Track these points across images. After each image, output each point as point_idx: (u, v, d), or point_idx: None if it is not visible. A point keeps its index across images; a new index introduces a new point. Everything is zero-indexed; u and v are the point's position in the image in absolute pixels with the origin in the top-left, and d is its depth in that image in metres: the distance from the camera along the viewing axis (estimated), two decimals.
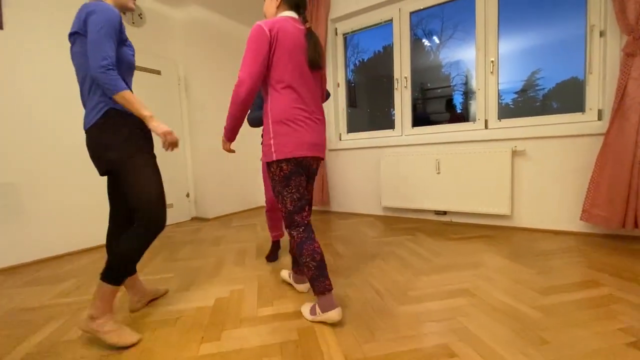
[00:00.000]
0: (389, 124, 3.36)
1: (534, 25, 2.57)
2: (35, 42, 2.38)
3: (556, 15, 2.48)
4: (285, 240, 2.54)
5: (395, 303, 1.46)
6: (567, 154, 2.38)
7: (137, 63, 3.16)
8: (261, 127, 2.47)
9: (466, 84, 2.98)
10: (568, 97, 2.49)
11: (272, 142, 1.31)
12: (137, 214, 1.29)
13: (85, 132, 1.29)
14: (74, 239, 2.57)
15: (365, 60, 3.67)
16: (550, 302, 1.40)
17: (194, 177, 3.75)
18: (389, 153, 3.15)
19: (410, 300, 1.48)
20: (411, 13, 3.10)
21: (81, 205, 2.61)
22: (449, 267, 1.85)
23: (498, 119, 2.70)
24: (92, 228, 2.68)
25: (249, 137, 3.49)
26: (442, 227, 2.78)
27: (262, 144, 1.39)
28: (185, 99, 3.66)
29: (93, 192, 2.68)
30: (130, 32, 3.17)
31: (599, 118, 2.32)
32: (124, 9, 1.37)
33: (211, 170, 3.70)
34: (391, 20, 3.21)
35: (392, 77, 3.27)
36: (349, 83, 3.70)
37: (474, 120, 2.82)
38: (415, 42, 3.17)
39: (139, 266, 2.15)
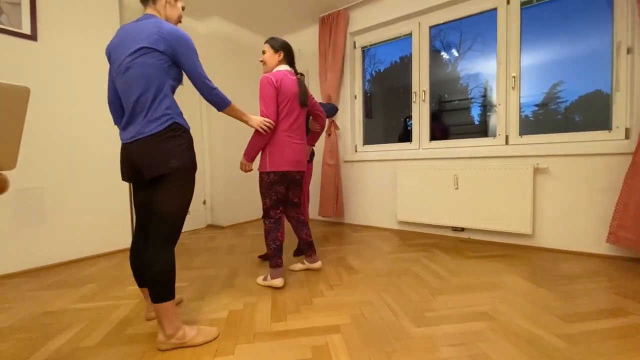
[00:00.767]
0: (405, 134, 3.34)
1: (557, 38, 2.52)
2: (67, 54, 2.50)
3: (580, 29, 2.43)
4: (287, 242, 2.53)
5: (412, 324, 1.43)
6: (593, 173, 2.29)
7: None
8: None
9: (485, 96, 2.93)
10: (591, 111, 2.42)
11: (267, 158, 1.91)
12: (163, 222, 1.31)
13: (139, 140, 1.29)
14: (94, 244, 2.64)
15: (381, 71, 3.67)
16: (574, 330, 1.34)
17: (211, 184, 3.81)
18: (405, 166, 3.12)
19: (427, 322, 1.44)
20: (431, 27, 3.10)
21: (101, 211, 2.69)
22: (467, 288, 1.80)
23: (519, 134, 2.64)
24: (112, 233, 2.75)
25: None
26: (460, 244, 2.71)
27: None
28: (205, 108, 3.75)
29: (113, 198, 2.76)
30: None
31: (627, 137, 2.23)
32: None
33: (228, 179, 3.76)
34: (410, 34, 3.22)
35: (409, 87, 3.26)
36: (365, 93, 3.71)
37: (494, 136, 2.77)
38: (433, 54, 3.16)
39: None
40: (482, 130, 2.94)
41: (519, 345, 1.24)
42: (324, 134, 3.58)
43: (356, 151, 3.69)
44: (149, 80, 1.29)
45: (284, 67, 1.95)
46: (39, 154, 2.36)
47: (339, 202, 3.56)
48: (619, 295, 1.66)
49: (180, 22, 1.55)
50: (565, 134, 2.46)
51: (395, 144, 3.39)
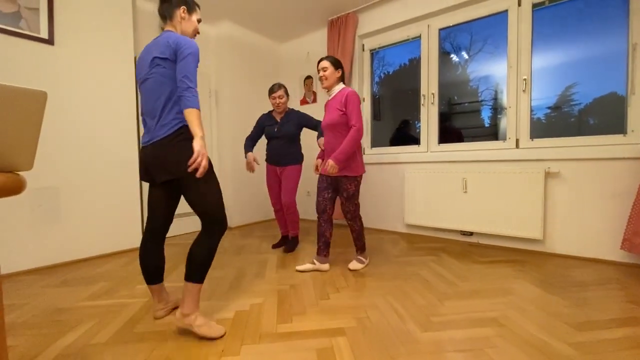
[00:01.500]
0: (413, 137, 3.33)
1: (570, 39, 2.48)
2: (83, 58, 2.56)
3: (594, 31, 2.38)
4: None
5: (418, 329, 1.42)
6: (607, 178, 2.24)
7: None
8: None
9: (495, 99, 2.90)
10: (606, 113, 2.36)
11: (359, 162, 2.11)
12: (206, 218, 1.43)
13: (153, 143, 1.40)
14: (105, 243, 2.69)
15: (390, 73, 3.66)
16: (586, 339, 1.31)
17: (222, 186, 3.84)
18: (414, 169, 3.11)
19: (434, 327, 1.43)
20: (440, 29, 3.09)
21: (112, 211, 2.75)
22: (475, 293, 1.78)
23: (530, 138, 2.60)
24: (122, 233, 2.80)
25: None
26: (468, 248, 2.68)
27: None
28: (215, 111, 3.80)
29: (124, 199, 2.81)
30: None
31: None
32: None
33: (235, 180, 3.79)
34: (419, 36, 3.21)
35: (418, 90, 3.24)
36: (373, 96, 3.70)
37: (504, 139, 2.73)
38: (443, 56, 3.14)
39: (165, 272, 2.22)
40: (493, 133, 2.90)
41: (528, 353, 1.22)
42: None
43: (364, 154, 3.68)
44: (161, 88, 1.39)
45: (342, 84, 2.18)
46: (55, 155, 2.42)
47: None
48: (633, 303, 1.61)
49: (197, 34, 1.61)
50: (577, 137, 2.41)
51: (403, 146, 3.38)
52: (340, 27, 3.50)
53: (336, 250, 2.71)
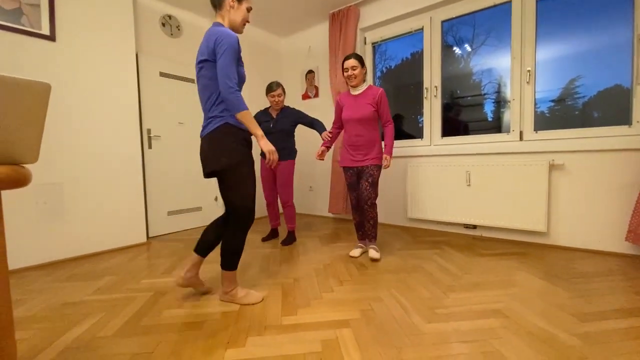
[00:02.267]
0: (416, 131, 3.32)
1: (574, 31, 2.45)
2: (84, 54, 2.56)
3: (599, 22, 2.35)
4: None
5: (422, 320, 1.42)
6: (611, 170, 2.23)
7: (174, 72, 3.32)
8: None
9: (498, 92, 2.87)
10: (611, 106, 2.34)
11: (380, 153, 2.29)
12: (233, 212, 1.57)
13: (202, 139, 1.57)
14: (110, 238, 2.71)
15: (392, 67, 3.64)
16: (590, 329, 1.31)
17: None
18: (416, 163, 3.10)
19: (438, 318, 1.43)
20: (443, 22, 3.06)
21: (117, 207, 2.76)
22: (479, 285, 1.78)
23: (534, 130, 2.59)
24: (127, 229, 2.82)
25: None
26: (472, 241, 2.68)
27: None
28: None
29: (128, 195, 2.83)
30: (169, 43, 3.34)
31: None
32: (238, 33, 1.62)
33: None
34: (421, 29, 3.18)
35: (420, 84, 3.22)
36: None
37: (508, 132, 2.72)
38: (445, 49, 3.11)
39: (168, 267, 2.24)
40: (496, 126, 2.88)
41: (532, 344, 1.22)
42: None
43: None
44: (208, 90, 1.51)
45: (366, 81, 2.34)
46: (57, 151, 2.43)
47: (348, 199, 3.55)
48: (638, 294, 1.61)
49: (246, 23, 1.60)
50: (582, 129, 2.39)
51: (406, 140, 3.36)
52: (342, 21, 3.48)
53: (339, 245, 2.71)
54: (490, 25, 2.86)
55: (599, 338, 1.24)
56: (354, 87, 2.29)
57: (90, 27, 2.60)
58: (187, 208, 3.49)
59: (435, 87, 3.11)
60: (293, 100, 4.28)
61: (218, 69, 1.43)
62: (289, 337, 1.32)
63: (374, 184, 2.22)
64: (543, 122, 2.59)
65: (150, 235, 3.13)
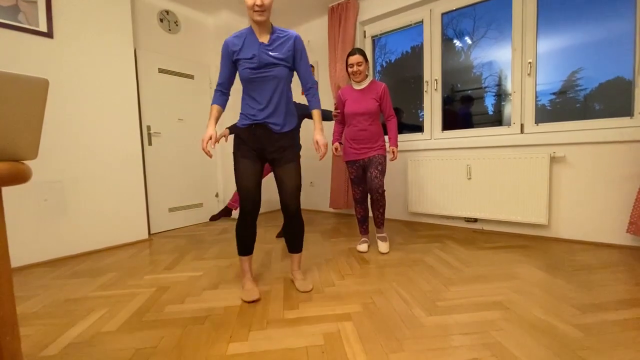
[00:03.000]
0: (416, 125, 3.30)
1: (575, 22, 2.42)
2: (82, 51, 2.55)
3: (600, 13, 2.32)
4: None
5: (424, 313, 1.43)
6: (613, 161, 2.22)
7: (172, 68, 3.31)
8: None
9: (499, 85, 2.85)
10: (612, 98, 2.32)
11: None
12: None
13: None
14: (111, 235, 2.72)
15: (392, 61, 3.62)
16: (591, 320, 1.31)
17: (224, 178, 3.86)
18: (417, 157, 3.09)
19: (440, 311, 1.44)
20: (443, 14, 3.03)
21: (118, 204, 2.76)
22: (480, 278, 1.79)
23: (535, 123, 2.57)
24: (128, 225, 2.83)
25: None
26: (473, 235, 2.68)
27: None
28: None
29: (129, 192, 2.83)
30: (166, 38, 3.32)
31: None
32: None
33: None
34: (421, 21, 3.15)
35: (420, 78, 3.20)
36: None
37: (509, 124, 2.70)
38: (446, 42, 3.09)
39: (170, 263, 2.25)
40: (497, 120, 2.87)
41: (533, 335, 1.23)
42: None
43: None
44: None
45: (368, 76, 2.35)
46: (57, 148, 2.43)
47: (349, 194, 3.56)
48: (639, 286, 1.61)
49: (256, 9, 1.54)
50: (583, 121, 2.38)
51: (406, 134, 3.35)
52: (341, 14, 3.45)
53: (340, 239, 2.72)
54: (490, 17, 2.83)
55: (600, 329, 1.25)
56: (358, 82, 2.28)
57: (88, 24, 2.58)
58: (188, 204, 3.49)
59: (436, 80, 3.09)
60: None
61: None
62: (291, 331, 1.33)
63: (383, 172, 2.24)
64: (544, 115, 2.58)
65: (151, 231, 3.14)
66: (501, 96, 2.85)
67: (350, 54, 2.24)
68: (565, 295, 1.54)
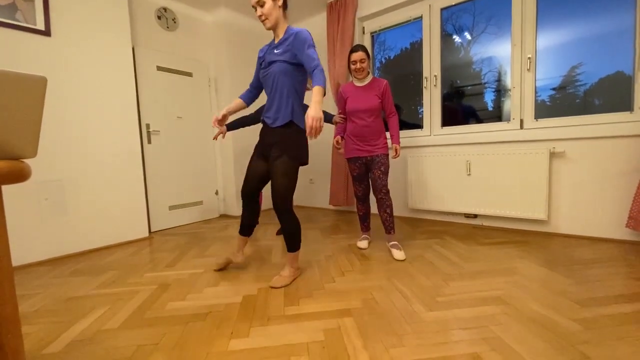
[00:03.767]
0: (416, 121, 3.30)
1: (575, 16, 2.41)
2: (80, 49, 2.54)
3: (600, 7, 2.31)
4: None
5: (424, 308, 1.44)
6: (612, 156, 2.22)
7: (170, 66, 3.30)
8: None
9: (499, 81, 2.85)
10: (612, 94, 2.32)
11: None
12: None
13: None
14: (111, 234, 2.73)
15: (391, 58, 3.60)
16: (590, 314, 1.32)
17: (223, 175, 3.86)
18: (416, 153, 3.09)
19: (439, 306, 1.45)
20: (442, 9, 3.02)
21: (118, 202, 2.77)
22: (479, 273, 1.79)
23: (535, 118, 2.57)
24: (128, 224, 2.83)
25: None
26: (472, 230, 2.69)
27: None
28: (215, 99, 3.78)
29: (129, 190, 2.83)
30: (165, 36, 3.31)
31: None
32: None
33: (239, 170, 3.79)
34: (421, 17, 3.14)
35: (420, 74, 3.20)
36: None
37: (508, 120, 2.70)
38: (445, 38, 3.07)
39: (171, 261, 2.26)
40: (496, 116, 2.87)
41: (533, 329, 1.23)
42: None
43: None
44: None
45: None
46: (56, 147, 2.43)
47: (349, 191, 3.56)
48: (638, 280, 1.62)
49: (261, 21, 1.73)
50: (583, 116, 2.38)
51: (405, 130, 3.35)
52: (340, 10, 3.43)
53: (340, 236, 2.73)
54: (490, 13, 2.82)
55: (599, 323, 1.25)
56: (361, 79, 2.27)
57: (86, 22, 2.57)
58: (188, 202, 3.50)
59: (435, 76, 3.08)
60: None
61: None
62: (292, 327, 1.33)
63: (386, 172, 2.24)
64: (544, 110, 2.57)
65: (152, 229, 3.14)
66: (501, 92, 2.84)
67: (353, 50, 2.22)
68: (564, 289, 1.55)
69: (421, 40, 3.17)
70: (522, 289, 1.58)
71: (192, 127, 3.52)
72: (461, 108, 3.08)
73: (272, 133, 1.77)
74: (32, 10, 2.30)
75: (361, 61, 2.20)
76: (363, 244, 2.38)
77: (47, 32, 2.36)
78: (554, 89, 2.55)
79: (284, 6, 1.74)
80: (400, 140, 3.24)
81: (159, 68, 3.20)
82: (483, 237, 2.47)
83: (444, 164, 2.89)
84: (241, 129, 3.75)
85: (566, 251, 2.09)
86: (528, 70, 2.56)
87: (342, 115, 2.39)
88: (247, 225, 1.97)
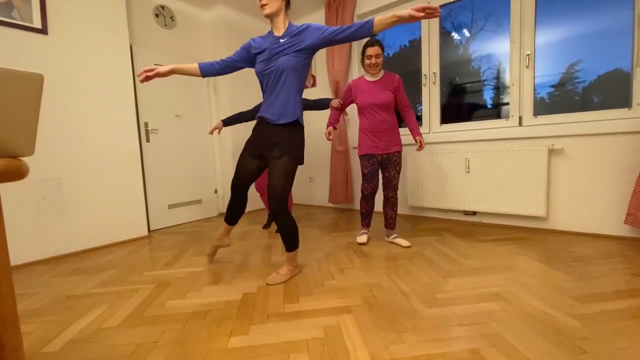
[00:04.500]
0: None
1: (573, 13, 2.41)
2: (77, 47, 2.52)
3: (599, 3, 2.31)
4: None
5: (423, 305, 1.44)
6: (611, 153, 2.22)
7: (169, 64, 3.27)
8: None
9: (497, 78, 2.85)
10: (611, 91, 2.32)
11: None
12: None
13: None
14: (111, 233, 2.72)
15: (390, 56, 3.60)
16: (589, 310, 1.32)
17: (222, 174, 3.85)
18: (415, 151, 3.08)
19: (439, 303, 1.45)
20: (441, 6, 3.01)
21: (117, 201, 2.76)
22: (479, 270, 1.80)
23: (534, 115, 2.57)
24: (127, 223, 2.83)
25: None
26: (472, 228, 2.69)
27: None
28: (214, 98, 3.76)
29: (128, 189, 2.83)
30: (162, 34, 3.29)
31: None
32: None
33: None
34: None
35: (419, 71, 3.19)
36: None
37: (507, 117, 2.70)
38: (444, 35, 3.07)
39: (171, 259, 2.26)
40: (495, 113, 2.87)
41: (532, 325, 1.24)
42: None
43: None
44: None
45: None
46: (54, 146, 2.42)
47: (348, 189, 3.56)
48: (637, 275, 1.62)
49: (260, 7, 1.65)
50: (582, 113, 2.38)
51: (404, 128, 3.34)
52: (338, 7, 3.42)
53: (339, 233, 2.73)
54: (489, 10, 2.81)
55: (598, 319, 1.26)
56: (374, 74, 2.25)
57: (83, 20, 2.55)
58: (187, 201, 3.49)
59: (434, 73, 3.08)
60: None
61: None
62: (292, 324, 1.34)
63: (399, 172, 2.27)
64: (543, 107, 2.57)
65: (151, 228, 3.14)
66: (499, 89, 2.84)
67: (369, 44, 2.19)
68: (563, 286, 1.55)
69: (420, 37, 3.16)
70: (521, 285, 1.58)
71: (191, 125, 3.51)
72: (460, 104, 3.08)
73: (274, 131, 1.70)
74: (28, 8, 2.28)
75: (377, 56, 2.18)
76: (362, 238, 2.38)
77: (44, 30, 2.35)
78: (552, 86, 2.55)
79: (287, 2, 1.71)
80: (400, 137, 3.24)
81: (157, 66, 3.18)
82: (482, 234, 2.48)
83: (443, 161, 2.89)
84: (240, 128, 3.76)
85: (565, 247, 2.10)
86: (527, 67, 2.56)
87: (339, 101, 2.39)
88: (236, 215, 1.96)
